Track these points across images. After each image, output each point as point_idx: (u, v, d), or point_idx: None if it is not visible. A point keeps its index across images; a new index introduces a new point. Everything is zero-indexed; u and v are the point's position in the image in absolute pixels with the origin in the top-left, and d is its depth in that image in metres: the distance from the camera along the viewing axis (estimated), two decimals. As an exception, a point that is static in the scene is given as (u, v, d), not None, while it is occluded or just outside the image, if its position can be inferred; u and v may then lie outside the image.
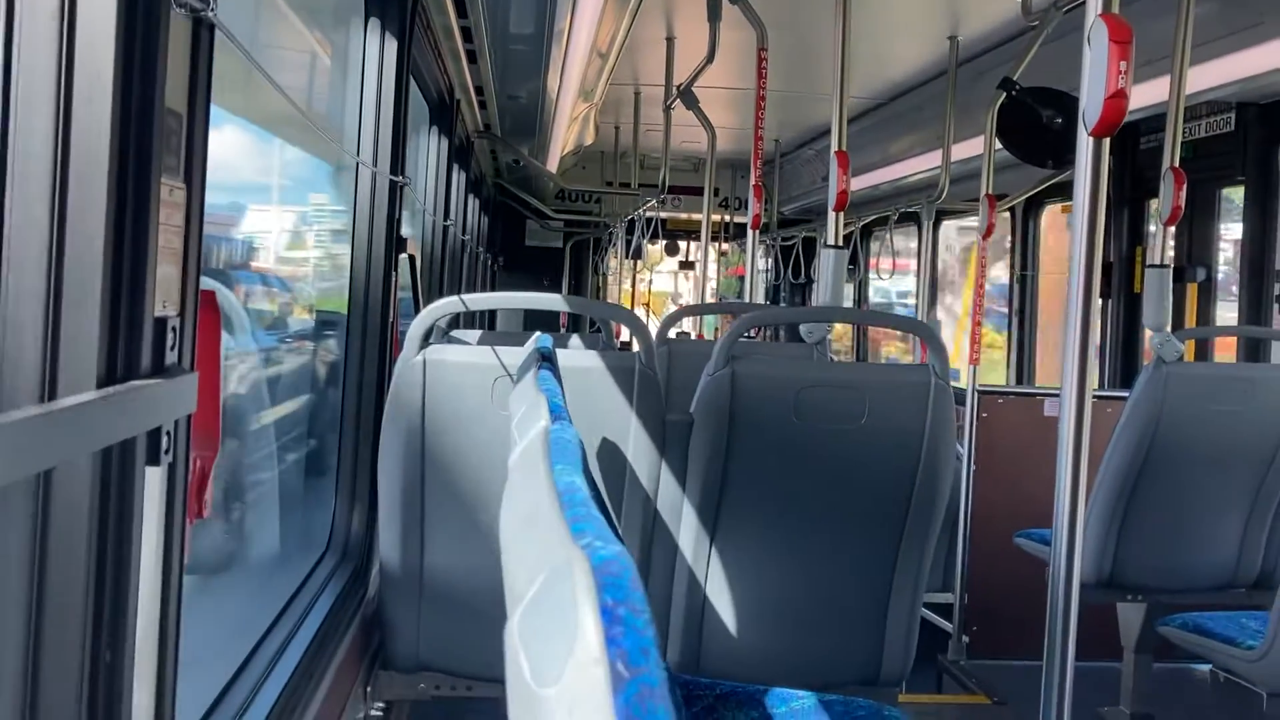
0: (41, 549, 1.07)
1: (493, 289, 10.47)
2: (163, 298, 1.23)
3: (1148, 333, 3.78)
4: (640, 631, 0.58)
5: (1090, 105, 1.91)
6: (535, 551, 0.75)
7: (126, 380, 1.15)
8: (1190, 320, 5.21)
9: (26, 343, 1.10)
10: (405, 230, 3.47)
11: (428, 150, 5.72)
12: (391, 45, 3.12)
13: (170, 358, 1.24)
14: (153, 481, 1.23)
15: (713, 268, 11.80)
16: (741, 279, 13.87)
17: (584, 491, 0.82)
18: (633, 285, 11.89)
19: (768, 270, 12.12)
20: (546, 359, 2.12)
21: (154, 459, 1.22)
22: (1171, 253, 4.34)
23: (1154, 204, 5.36)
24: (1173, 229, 3.85)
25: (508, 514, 0.94)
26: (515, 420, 1.45)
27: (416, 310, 3.82)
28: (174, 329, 1.25)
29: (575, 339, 4.05)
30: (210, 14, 1.27)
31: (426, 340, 2.82)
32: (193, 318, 1.30)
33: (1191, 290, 5.21)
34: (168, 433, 1.23)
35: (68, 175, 1.15)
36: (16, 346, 1.09)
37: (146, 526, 1.23)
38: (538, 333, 2.52)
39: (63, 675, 1.12)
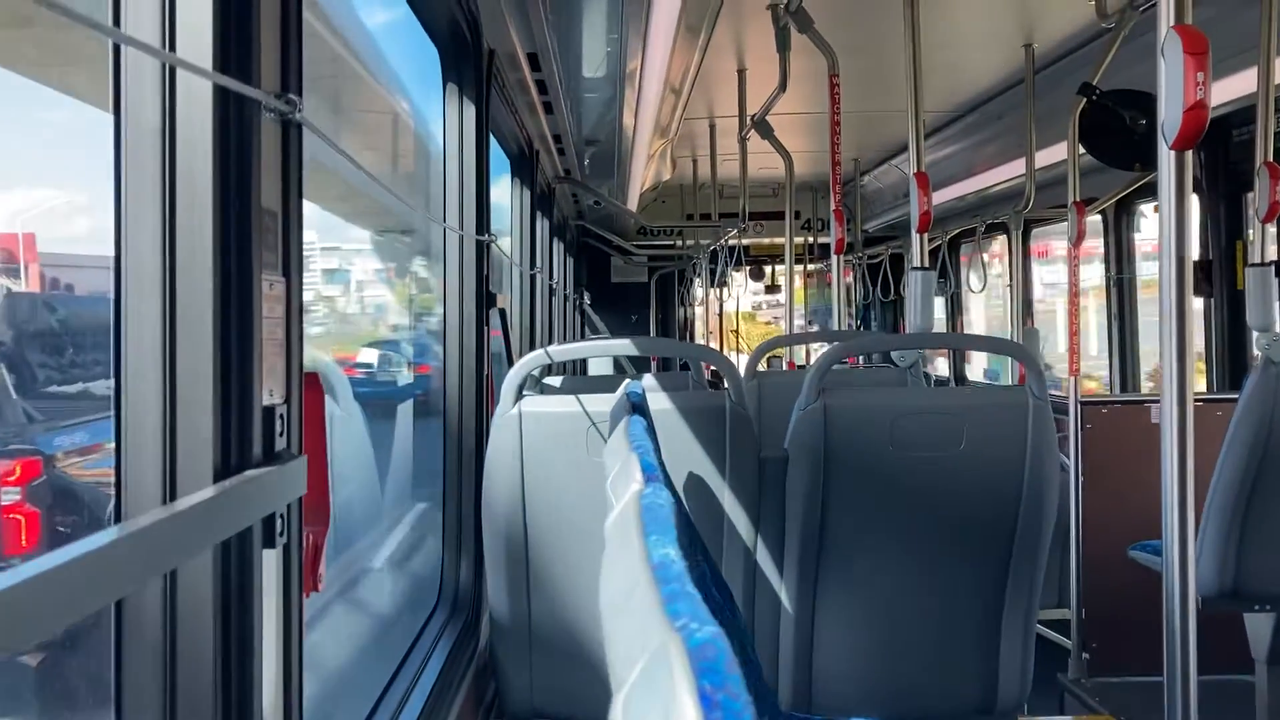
0: (171, 638, 1.13)
1: (582, 329, 10.58)
2: (270, 387, 1.29)
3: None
4: (739, 715, 0.60)
5: (1169, 118, 1.88)
6: (633, 631, 0.77)
7: (241, 470, 1.21)
8: (1301, 315, 5.01)
9: (147, 443, 1.16)
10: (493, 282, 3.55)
11: (510, 201, 5.84)
12: (470, 109, 3.21)
13: (280, 444, 1.30)
14: (269, 563, 1.29)
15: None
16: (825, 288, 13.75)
17: (678, 565, 0.85)
18: (720, 315, 11.89)
19: (853, 289, 12.01)
20: (637, 407, 2.15)
21: (269, 542, 1.28)
22: (1274, 247, 4.19)
23: (1251, 198, 5.20)
24: (1272, 225, 3.74)
25: (606, 587, 0.97)
26: (610, 479, 1.48)
27: (510, 362, 3.90)
28: (282, 416, 1.31)
29: (660, 378, 4.09)
30: (298, 115, 1.34)
31: (520, 392, 2.89)
32: (298, 404, 1.37)
33: (1299, 284, 5.02)
34: (281, 516, 1.29)
35: (175, 276, 1.22)
36: (138, 447, 1.16)
37: (265, 607, 1.28)
38: (627, 379, 2.56)
39: (198, 756, 1.17)
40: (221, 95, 1.21)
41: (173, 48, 1.18)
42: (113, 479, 1.15)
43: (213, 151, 1.21)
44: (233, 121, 1.23)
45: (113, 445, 1.17)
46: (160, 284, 1.20)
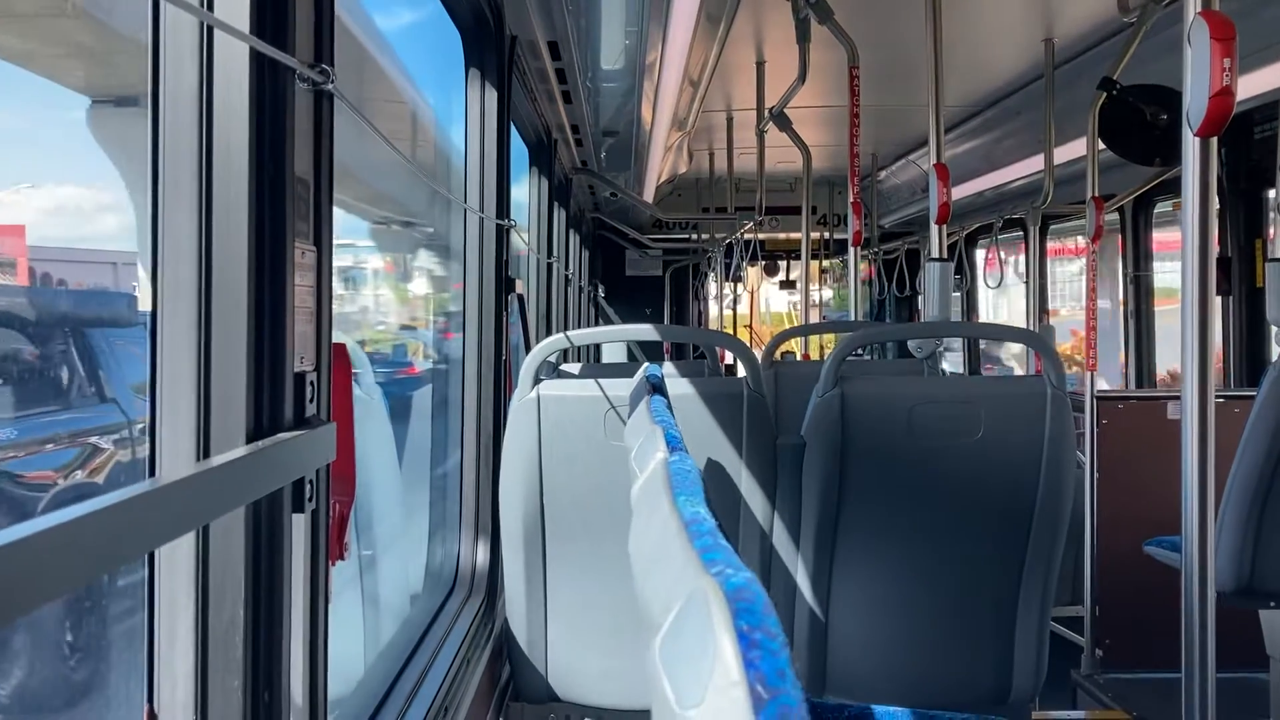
0: (203, 598, 1.15)
1: (596, 321, 10.59)
2: (300, 353, 1.30)
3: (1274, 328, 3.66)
4: (776, 654, 0.61)
5: (1194, 105, 1.88)
6: (668, 581, 0.78)
7: (272, 434, 1.22)
8: (1320, 312, 4.98)
9: (182, 403, 1.18)
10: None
11: (528, 191, 5.86)
12: (492, 95, 3.23)
13: (310, 410, 1.31)
14: (298, 528, 1.30)
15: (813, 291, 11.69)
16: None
17: (710, 521, 0.86)
18: (734, 309, 11.89)
19: (871, 284, 11.99)
20: (657, 389, 2.15)
21: (298, 506, 1.29)
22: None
23: (1272, 194, 5.18)
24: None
25: (637, 545, 0.98)
26: (633, 452, 1.49)
27: (527, 347, 3.91)
28: (312, 383, 1.32)
29: (677, 366, 4.09)
30: (330, 86, 1.35)
31: (539, 376, 2.90)
32: (328, 371, 1.38)
33: (1319, 281, 4.99)
34: (310, 481, 1.30)
35: (211, 241, 1.24)
36: (173, 407, 1.18)
37: (294, 570, 1.30)
38: (646, 363, 2.57)
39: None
40: (257, 61, 1.22)
41: (210, 9, 1.19)
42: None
43: (249, 118, 1.23)
44: (268, 88, 1.25)
45: (147, 404, 1.18)
46: (196, 248, 1.22)
